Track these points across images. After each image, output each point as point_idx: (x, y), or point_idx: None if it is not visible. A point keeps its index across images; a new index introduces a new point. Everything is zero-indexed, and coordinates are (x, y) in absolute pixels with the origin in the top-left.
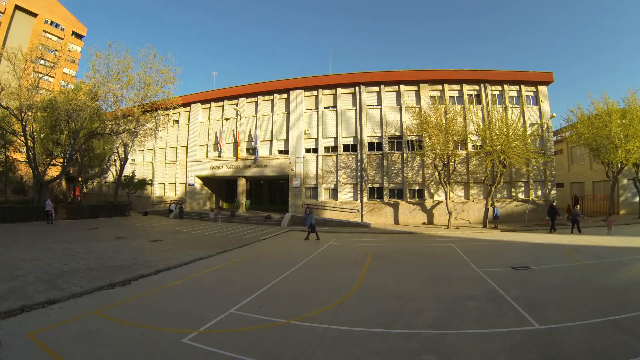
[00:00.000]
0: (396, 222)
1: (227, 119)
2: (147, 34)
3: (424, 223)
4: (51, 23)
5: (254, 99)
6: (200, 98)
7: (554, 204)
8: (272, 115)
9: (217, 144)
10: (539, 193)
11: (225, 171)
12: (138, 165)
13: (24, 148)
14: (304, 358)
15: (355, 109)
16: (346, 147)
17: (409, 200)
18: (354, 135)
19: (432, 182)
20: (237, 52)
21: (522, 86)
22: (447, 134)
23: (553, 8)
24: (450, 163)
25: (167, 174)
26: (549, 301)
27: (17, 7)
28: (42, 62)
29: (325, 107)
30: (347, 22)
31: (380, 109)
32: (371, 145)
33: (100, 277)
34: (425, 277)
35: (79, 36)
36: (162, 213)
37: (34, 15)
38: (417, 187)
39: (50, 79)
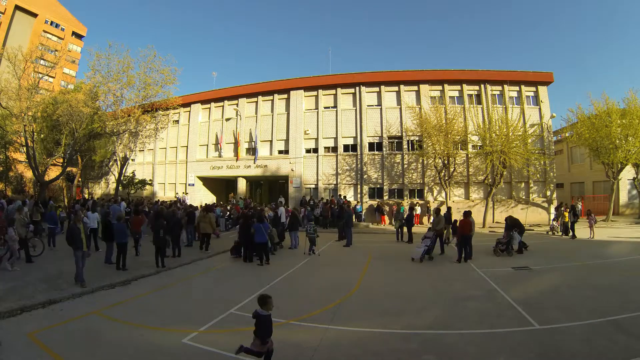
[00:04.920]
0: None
1: (227, 119)
2: (147, 34)
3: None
4: (51, 23)
5: (254, 99)
6: (200, 98)
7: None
8: (272, 115)
9: (217, 144)
10: (540, 194)
11: (225, 171)
12: (138, 166)
13: (24, 148)
14: (303, 358)
15: (356, 109)
16: (346, 147)
17: (409, 200)
18: (354, 136)
19: (433, 183)
20: (237, 52)
21: (522, 86)
22: (447, 134)
23: (553, 8)
24: (451, 164)
25: (167, 174)
26: (549, 301)
27: (17, 7)
28: (42, 62)
29: (325, 107)
30: (347, 22)
31: (381, 109)
32: (371, 146)
33: (100, 277)
34: (425, 278)
35: (79, 36)
36: None
37: (34, 15)
38: (417, 188)
39: (51, 79)
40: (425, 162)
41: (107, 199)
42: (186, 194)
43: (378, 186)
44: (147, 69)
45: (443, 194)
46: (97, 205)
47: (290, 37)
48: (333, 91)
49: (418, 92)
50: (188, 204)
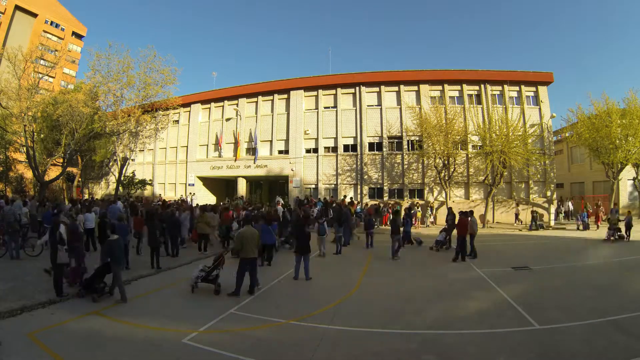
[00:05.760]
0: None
1: (227, 119)
2: (147, 34)
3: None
4: (51, 23)
5: (254, 99)
6: (200, 98)
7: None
8: (272, 115)
9: (217, 144)
10: (540, 194)
11: (225, 171)
12: (138, 166)
13: (24, 148)
14: (303, 358)
15: (356, 109)
16: (346, 147)
17: (409, 200)
18: (354, 136)
19: (433, 183)
20: (237, 52)
21: (522, 86)
22: (447, 134)
23: (553, 8)
24: (451, 164)
25: (167, 174)
26: (549, 301)
27: (17, 7)
28: (42, 62)
29: (325, 107)
30: (347, 22)
31: (381, 109)
32: (371, 146)
33: None
34: (426, 278)
35: (79, 36)
36: None
37: (34, 15)
38: (417, 188)
39: (51, 79)
40: (425, 162)
41: (107, 199)
42: (193, 194)
43: (378, 186)
44: (147, 69)
45: (443, 194)
46: (95, 205)
47: (290, 37)
48: (333, 91)
49: (418, 92)
50: (193, 204)
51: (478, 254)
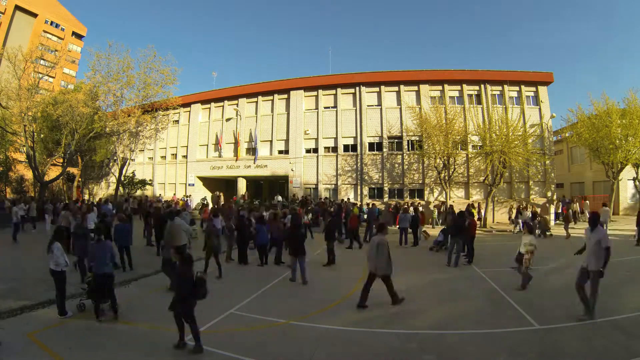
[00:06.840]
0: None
1: (227, 119)
2: (147, 34)
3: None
4: (51, 23)
5: (254, 99)
6: (200, 98)
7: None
8: (272, 115)
9: (217, 144)
10: (540, 194)
11: (225, 171)
12: (138, 165)
13: (24, 148)
14: (303, 358)
15: (356, 109)
16: (346, 148)
17: (409, 200)
18: (354, 136)
19: (434, 184)
20: (237, 52)
21: (522, 86)
22: (447, 134)
23: (554, 8)
24: (451, 164)
25: (167, 174)
26: (549, 301)
27: (17, 7)
28: (42, 62)
29: (325, 108)
30: (347, 22)
31: (381, 109)
32: (371, 146)
33: None
34: (425, 278)
35: (79, 36)
36: None
37: (34, 15)
38: (417, 188)
39: (51, 79)
40: (425, 162)
41: (105, 199)
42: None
43: (378, 186)
44: (147, 69)
45: (444, 195)
46: (94, 205)
47: (290, 37)
48: (333, 91)
49: (418, 92)
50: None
51: (477, 254)
